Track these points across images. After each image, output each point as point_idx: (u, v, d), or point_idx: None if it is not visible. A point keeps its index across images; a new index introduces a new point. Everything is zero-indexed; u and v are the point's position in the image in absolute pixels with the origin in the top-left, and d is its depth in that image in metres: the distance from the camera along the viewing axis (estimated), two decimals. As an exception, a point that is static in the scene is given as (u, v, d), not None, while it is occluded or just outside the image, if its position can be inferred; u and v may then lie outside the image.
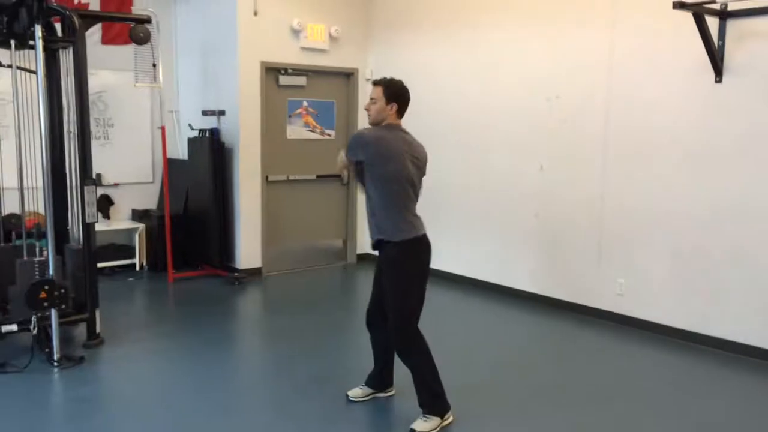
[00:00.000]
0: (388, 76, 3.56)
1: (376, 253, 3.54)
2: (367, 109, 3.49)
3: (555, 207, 5.59)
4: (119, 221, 7.13)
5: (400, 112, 3.45)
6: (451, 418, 3.43)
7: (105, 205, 6.88)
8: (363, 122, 7.34)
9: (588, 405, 3.73)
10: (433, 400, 3.39)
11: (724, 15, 4.37)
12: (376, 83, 3.49)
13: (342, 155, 3.55)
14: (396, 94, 3.42)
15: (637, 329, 5.02)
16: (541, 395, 3.86)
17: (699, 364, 4.40)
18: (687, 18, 4.33)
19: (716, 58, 4.42)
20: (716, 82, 4.50)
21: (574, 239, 5.46)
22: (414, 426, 3.34)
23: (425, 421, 3.36)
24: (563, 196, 5.52)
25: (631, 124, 5.02)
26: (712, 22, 4.39)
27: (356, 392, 3.72)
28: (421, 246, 3.41)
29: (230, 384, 4.03)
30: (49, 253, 4.15)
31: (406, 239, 3.36)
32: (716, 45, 4.41)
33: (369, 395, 3.72)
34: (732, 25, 4.39)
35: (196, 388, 3.93)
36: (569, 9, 5.38)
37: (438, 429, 3.35)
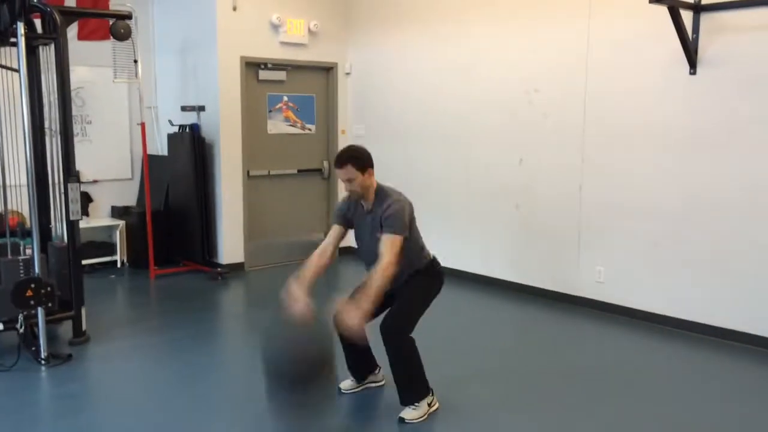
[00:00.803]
0: (340, 149, 3.58)
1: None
2: (350, 191, 3.40)
3: (535, 198, 5.69)
4: (99, 218, 7.08)
5: (373, 170, 3.43)
6: (437, 405, 3.50)
7: (84, 202, 6.81)
8: (343, 117, 7.39)
9: (573, 390, 3.83)
10: (416, 385, 3.43)
11: (698, 9, 4.49)
12: (340, 164, 3.34)
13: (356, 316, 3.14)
14: (365, 160, 3.37)
15: (617, 315, 5.15)
16: (525, 382, 3.95)
17: (678, 348, 4.52)
18: (662, 12, 4.43)
19: (691, 51, 4.53)
20: (691, 74, 4.62)
21: (554, 229, 5.57)
22: (403, 414, 3.40)
23: (414, 409, 3.41)
24: (544, 187, 5.62)
25: (609, 116, 5.13)
26: (687, 16, 4.50)
27: (348, 384, 3.76)
28: (440, 277, 3.57)
29: (217, 378, 4.06)
30: (34, 251, 4.14)
31: (428, 263, 3.53)
32: (691, 38, 4.53)
33: (361, 386, 3.77)
34: (706, 18, 4.51)
35: (184, 382, 3.96)
36: (547, 3, 5.46)
37: (426, 416, 3.42)
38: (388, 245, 3.24)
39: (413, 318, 3.42)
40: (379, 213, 3.36)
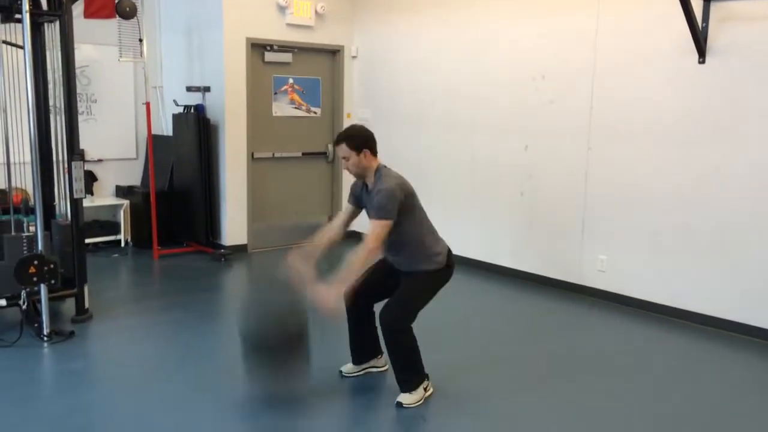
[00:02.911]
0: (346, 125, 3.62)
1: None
2: (346, 169, 3.44)
3: (540, 185, 5.68)
4: (103, 197, 7.10)
5: (374, 152, 3.42)
6: (431, 390, 3.52)
7: (88, 181, 6.83)
8: (349, 100, 7.37)
9: (571, 378, 3.83)
10: (412, 376, 3.45)
11: (708, -3, 4.44)
12: (336, 142, 3.42)
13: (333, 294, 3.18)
14: (360, 141, 3.37)
15: (618, 304, 5.15)
16: (524, 369, 3.96)
17: (679, 338, 4.52)
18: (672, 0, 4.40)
19: (700, 40, 4.49)
20: (700, 63, 4.58)
21: (557, 216, 5.56)
22: (400, 399, 3.41)
23: (410, 394, 3.43)
24: (548, 174, 5.60)
25: (616, 104, 5.10)
26: (696, 4, 4.45)
27: (349, 367, 3.77)
28: (449, 270, 3.51)
29: (218, 358, 4.08)
30: (38, 228, 4.15)
31: (439, 268, 3.45)
32: (700, 26, 4.48)
33: (362, 370, 3.77)
34: (716, 7, 4.46)
35: (184, 361, 3.98)
36: (556, -11, 5.42)
37: (422, 401, 3.43)
38: (371, 229, 3.26)
39: (414, 309, 3.41)
40: (373, 193, 3.36)
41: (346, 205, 3.65)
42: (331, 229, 3.58)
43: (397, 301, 3.40)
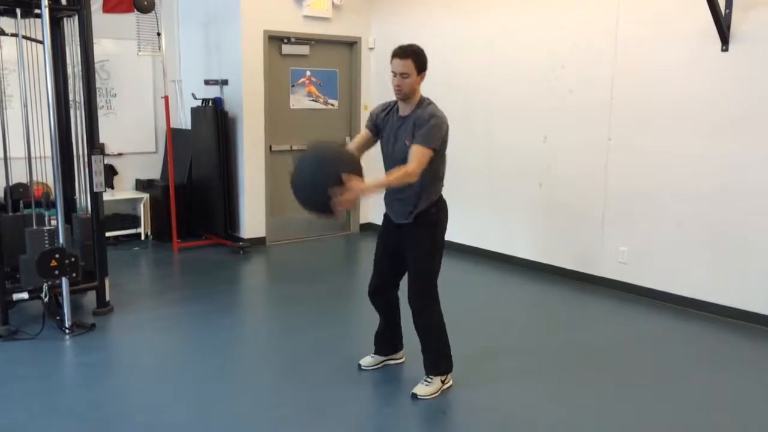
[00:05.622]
0: (401, 43, 3.35)
1: (379, 222, 3.56)
2: (398, 85, 3.21)
3: (559, 176, 5.62)
4: (123, 191, 7.16)
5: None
6: (450, 382, 3.50)
7: (109, 174, 6.90)
8: (366, 92, 7.34)
9: (589, 370, 3.80)
10: (442, 360, 3.44)
11: (731, -17, 4.35)
12: (403, 55, 3.19)
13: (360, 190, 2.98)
14: (424, 62, 3.24)
15: (639, 296, 5.09)
16: (542, 361, 3.93)
17: (701, 331, 4.47)
18: (694, -14, 4.32)
19: (723, 27, 4.41)
20: (723, 51, 4.49)
21: (577, 208, 5.50)
22: (416, 390, 3.40)
23: (427, 385, 3.41)
24: (568, 165, 5.54)
25: (637, 94, 5.02)
26: (720, -9, 4.38)
27: (368, 360, 3.76)
28: (444, 204, 3.44)
29: (238, 350, 4.10)
30: (59, 221, 4.18)
31: (438, 199, 3.37)
32: (723, 13, 4.40)
33: (380, 363, 3.76)
34: (739, -7, 4.38)
35: (204, 354, 4.00)
36: (575, -23, 5.35)
37: (439, 393, 3.41)
38: (418, 155, 3.11)
39: (431, 274, 3.37)
40: (412, 120, 3.22)
41: (363, 130, 3.47)
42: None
43: (412, 275, 3.38)
